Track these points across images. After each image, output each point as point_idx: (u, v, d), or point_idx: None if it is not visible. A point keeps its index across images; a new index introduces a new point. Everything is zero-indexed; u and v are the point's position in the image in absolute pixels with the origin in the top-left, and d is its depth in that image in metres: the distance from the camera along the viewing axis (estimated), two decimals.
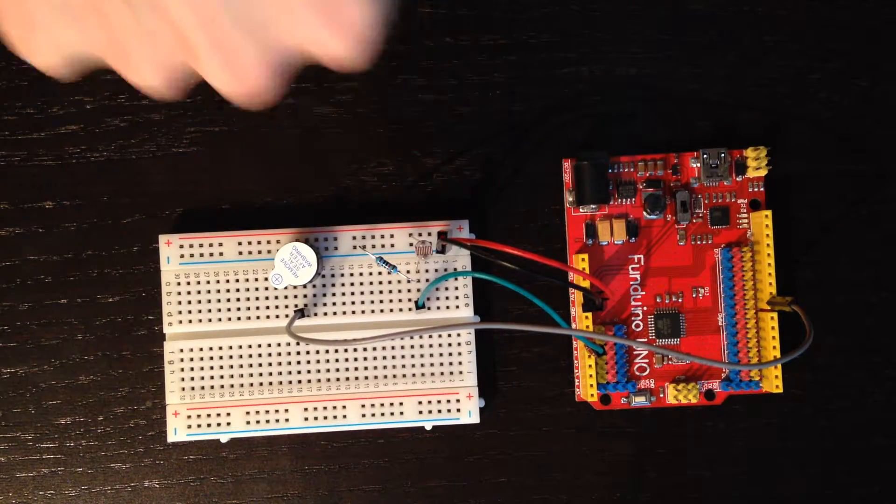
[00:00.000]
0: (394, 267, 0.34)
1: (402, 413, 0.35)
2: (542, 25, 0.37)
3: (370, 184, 0.36)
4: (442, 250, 0.35)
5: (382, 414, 0.35)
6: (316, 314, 0.35)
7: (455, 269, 0.35)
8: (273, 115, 0.36)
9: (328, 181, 0.36)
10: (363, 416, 0.35)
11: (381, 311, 0.35)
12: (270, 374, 0.35)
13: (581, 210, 0.36)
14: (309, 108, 0.36)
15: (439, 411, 0.35)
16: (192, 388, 0.35)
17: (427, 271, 0.35)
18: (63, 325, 0.36)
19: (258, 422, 0.35)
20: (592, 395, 0.35)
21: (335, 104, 0.36)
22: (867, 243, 0.37)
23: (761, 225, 0.35)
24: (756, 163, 0.35)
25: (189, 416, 0.35)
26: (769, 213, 0.35)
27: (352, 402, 0.35)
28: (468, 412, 0.35)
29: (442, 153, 0.37)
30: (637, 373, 0.36)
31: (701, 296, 0.36)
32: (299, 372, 0.35)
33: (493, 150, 0.37)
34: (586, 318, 0.34)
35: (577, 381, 0.36)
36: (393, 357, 0.35)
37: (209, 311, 0.35)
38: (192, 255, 0.35)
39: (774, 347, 0.34)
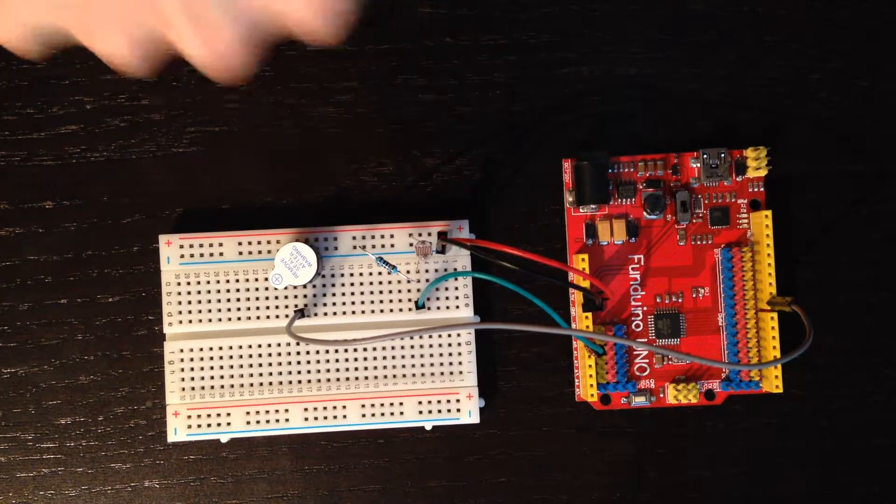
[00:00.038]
0: (394, 267, 0.34)
1: (402, 413, 0.35)
2: (542, 25, 0.37)
3: (370, 184, 0.36)
4: (442, 250, 0.35)
5: (382, 414, 0.35)
6: (316, 314, 0.35)
7: (455, 269, 0.35)
8: (273, 114, 0.36)
9: (328, 181, 0.36)
10: (363, 416, 0.35)
11: (381, 311, 0.35)
12: (270, 374, 0.35)
13: (581, 210, 0.36)
14: (309, 108, 0.36)
15: (439, 411, 0.35)
16: (193, 388, 0.35)
17: (427, 271, 0.35)
18: (63, 325, 0.36)
19: (258, 422, 0.35)
20: (592, 395, 0.35)
21: (335, 104, 0.36)
22: (867, 243, 0.37)
23: (761, 225, 0.35)
24: (756, 163, 0.35)
25: (189, 416, 0.35)
26: (769, 213, 0.35)
27: (352, 402, 0.35)
28: (468, 412, 0.35)
29: (442, 153, 0.37)
30: (637, 373, 0.36)
31: (701, 296, 0.36)
32: (299, 372, 0.35)
33: (493, 150, 0.37)
34: (586, 318, 0.34)
35: (577, 381, 0.36)
36: (393, 357, 0.35)
37: (209, 311, 0.35)
38: (192, 255, 0.35)
39: (774, 347, 0.34)
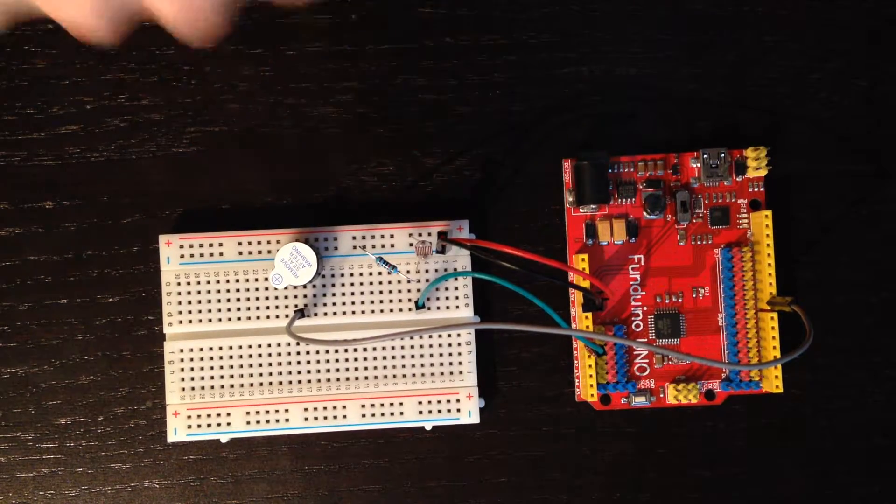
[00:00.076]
0: (394, 267, 0.34)
1: (402, 413, 0.35)
2: (542, 25, 0.37)
3: (370, 184, 0.36)
4: (442, 250, 0.35)
5: (382, 414, 0.35)
6: (316, 314, 0.35)
7: (455, 269, 0.35)
8: (273, 114, 0.36)
9: (328, 181, 0.36)
10: (363, 416, 0.35)
11: (381, 311, 0.35)
12: (270, 374, 0.35)
13: (581, 210, 0.36)
14: (309, 108, 0.36)
15: (439, 411, 0.35)
16: (192, 388, 0.35)
17: (427, 271, 0.35)
18: (63, 325, 0.36)
19: (258, 422, 0.35)
20: (592, 395, 0.35)
21: (335, 104, 0.36)
22: (867, 243, 0.37)
23: (761, 225, 0.35)
24: (756, 163, 0.35)
25: (189, 416, 0.35)
26: (769, 213, 0.35)
27: (352, 402, 0.35)
28: (468, 412, 0.35)
29: (442, 153, 0.37)
30: (637, 373, 0.36)
31: (701, 296, 0.36)
32: (299, 372, 0.35)
33: (493, 150, 0.37)
34: (586, 318, 0.34)
35: (577, 381, 0.36)
36: (393, 357, 0.35)
37: (209, 311, 0.35)
38: (192, 255, 0.35)
39: (774, 347, 0.34)
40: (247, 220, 0.36)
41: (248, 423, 0.35)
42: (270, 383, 0.35)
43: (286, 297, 0.35)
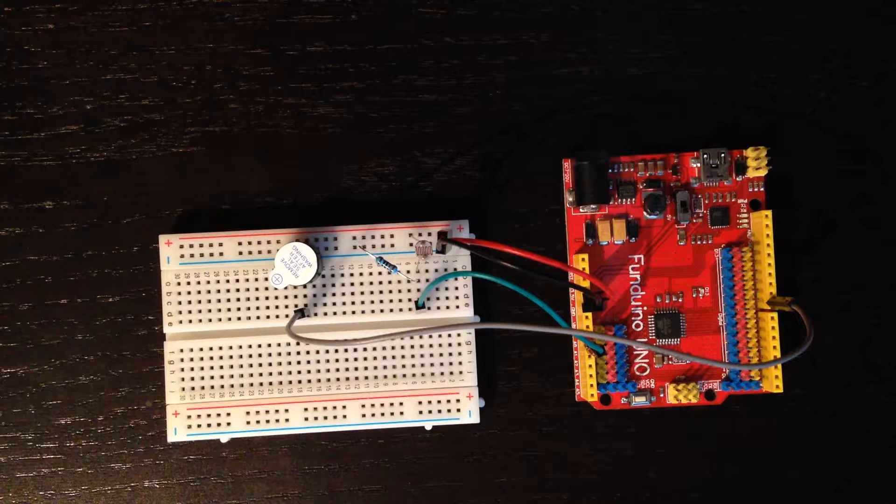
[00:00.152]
0: (394, 267, 0.34)
1: (402, 413, 0.35)
2: (542, 25, 0.37)
3: (370, 184, 0.36)
4: (442, 250, 0.35)
5: (382, 414, 0.35)
6: (316, 314, 0.35)
7: (455, 269, 0.35)
8: (273, 114, 0.36)
9: (328, 181, 0.36)
10: (363, 416, 0.35)
11: (381, 311, 0.35)
12: (270, 374, 0.35)
13: (581, 210, 0.36)
14: (309, 108, 0.36)
15: (439, 411, 0.35)
16: (192, 388, 0.35)
17: (427, 271, 0.35)
18: (63, 325, 0.36)
19: (258, 422, 0.35)
20: (592, 395, 0.35)
21: (335, 104, 0.36)
22: (867, 243, 0.37)
23: (761, 225, 0.35)
24: (756, 163, 0.35)
25: (189, 416, 0.35)
26: (769, 213, 0.35)
27: (352, 402, 0.35)
28: (468, 412, 0.35)
29: (442, 153, 0.37)
30: (637, 373, 0.36)
31: (701, 296, 0.36)
32: (299, 372, 0.35)
33: (493, 150, 0.37)
34: (586, 318, 0.34)
35: (577, 381, 0.36)
36: (393, 357, 0.35)
37: (209, 311, 0.35)
38: (192, 255, 0.35)
39: (774, 347, 0.34)
40: (247, 220, 0.36)
41: (248, 423, 0.35)
42: (270, 383, 0.35)
43: (286, 297, 0.35)
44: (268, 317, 0.35)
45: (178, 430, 0.35)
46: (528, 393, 0.36)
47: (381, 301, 0.35)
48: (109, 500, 0.36)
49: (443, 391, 0.35)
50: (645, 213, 0.36)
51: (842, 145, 0.37)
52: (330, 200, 0.36)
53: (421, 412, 0.35)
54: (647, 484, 0.36)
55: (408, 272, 0.35)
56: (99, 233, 0.36)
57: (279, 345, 0.35)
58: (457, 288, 0.35)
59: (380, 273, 0.35)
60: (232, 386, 0.35)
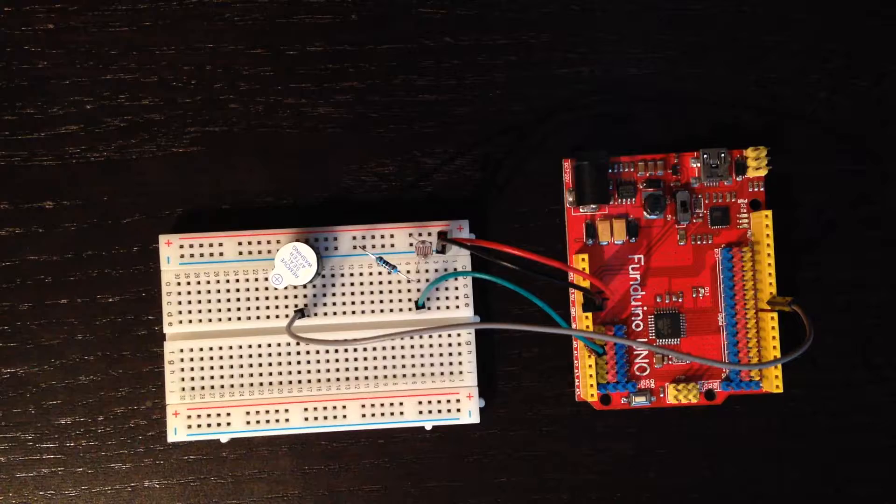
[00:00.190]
0: (394, 267, 0.34)
1: (402, 413, 0.35)
2: (542, 25, 0.37)
3: (370, 184, 0.36)
4: (442, 250, 0.35)
5: (382, 414, 0.35)
6: (316, 314, 0.35)
7: (455, 269, 0.35)
8: (273, 114, 0.36)
9: (328, 181, 0.36)
10: (363, 416, 0.35)
11: (381, 311, 0.35)
12: (270, 374, 0.35)
13: (581, 210, 0.36)
14: (309, 108, 0.36)
15: (439, 411, 0.35)
16: (192, 388, 0.35)
17: (427, 271, 0.35)
18: (63, 325, 0.36)
19: (258, 422, 0.35)
20: (592, 395, 0.35)
21: (335, 104, 0.36)
22: (867, 243, 0.37)
23: (761, 225, 0.35)
24: (756, 163, 0.35)
25: (189, 416, 0.35)
26: (769, 213, 0.35)
27: (352, 402, 0.35)
28: (468, 412, 0.35)
29: (442, 153, 0.37)
30: (637, 373, 0.36)
31: (701, 296, 0.36)
32: (299, 372, 0.35)
33: (493, 150, 0.37)
34: (586, 318, 0.34)
35: (577, 381, 0.36)
36: (393, 357, 0.35)
37: (209, 311, 0.35)
38: (192, 255, 0.35)
39: (774, 347, 0.34)
40: (247, 220, 0.36)
41: (248, 423, 0.35)
42: (270, 383, 0.35)
43: (286, 297, 0.35)
44: (268, 317, 0.35)
45: (178, 430, 0.35)
46: (528, 393, 0.36)
47: (381, 301, 0.35)
48: (109, 500, 0.36)
49: (443, 391, 0.35)
50: (645, 213, 0.36)
51: (842, 145, 0.37)
52: (330, 200, 0.36)
53: (421, 412, 0.35)
54: (647, 484, 0.36)
55: (408, 272, 0.35)
56: (99, 233, 0.36)
57: (279, 345, 0.35)
58: (457, 288, 0.35)
59: (380, 273, 0.35)
60: (232, 386, 0.35)
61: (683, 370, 0.36)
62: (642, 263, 0.36)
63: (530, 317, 0.36)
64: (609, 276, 0.36)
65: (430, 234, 0.35)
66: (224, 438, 0.35)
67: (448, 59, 0.37)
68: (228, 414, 0.35)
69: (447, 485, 0.36)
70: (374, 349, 0.35)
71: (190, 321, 0.35)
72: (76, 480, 0.36)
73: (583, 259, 0.35)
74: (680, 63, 0.37)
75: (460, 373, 0.35)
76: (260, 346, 0.35)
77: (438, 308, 0.35)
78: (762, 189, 0.36)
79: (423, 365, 0.35)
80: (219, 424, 0.35)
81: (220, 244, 0.35)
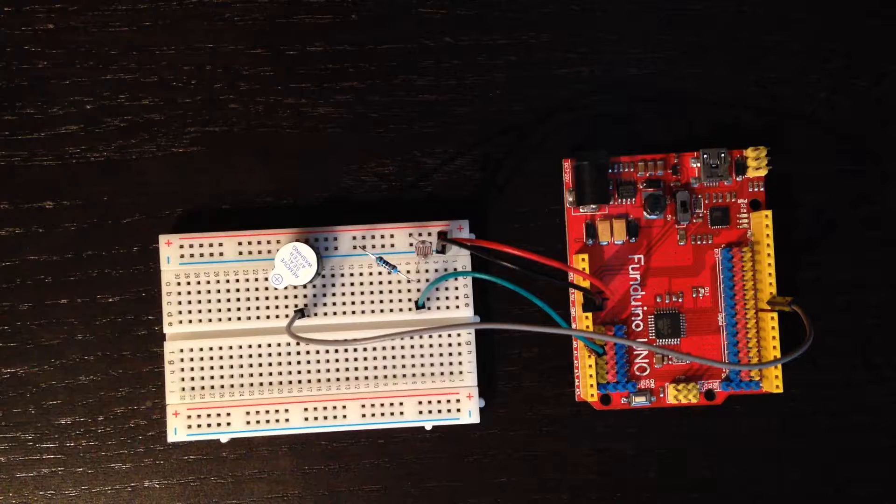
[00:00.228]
0: (394, 267, 0.34)
1: (402, 413, 0.35)
2: (542, 25, 0.37)
3: (370, 184, 0.36)
4: (442, 250, 0.35)
5: (382, 414, 0.35)
6: (316, 314, 0.35)
7: (455, 269, 0.35)
8: (273, 114, 0.36)
9: (328, 181, 0.36)
10: (363, 416, 0.35)
11: (381, 311, 0.35)
12: (270, 374, 0.35)
13: (581, 210, 0.36)
14: (309, 108, 0.36)
15: (439, 411, 0.35)
16: (192, 388, 0.35)
17: (427, 271, 0.35)
18: (63, 325, 0.36)
19: (258, 422, 0.35)
20: (592, 395, 0.35)
21: (335, 104, 0.36)
22: (867, 243, 0.37)
23: (761, 225, 0.35)
24: (756, 163, 0.35)
25: (189, 416, 0.35)
26: (769, 213, 0.35)
27: (352, 402, 0.35)
28: (468, 412, 0.35)
29: (442, 153, 0.37)
30: (637, 373, 0.36)
31: (701, 296, 0.36)
32: (299, 372, 0.35)
33: (493, 150, 0.37)
34: (586, 318, 0.34)
35: (577, 381, 0.36)
36: (393, 357, 0.35)
37: (209, 311, 0.35)
38: (192, 255, 0.35)
39: (774, 347, 0.34)
40: (247, 220, 0.36)
41: (248, 423, 0.35)
42: (270, 383, 0.35)
43: (286, 297, 0.35)
44: (268, 317, 0.35)
45: (178, 430, 0.35)
46: (528, 393, 0.36)
47: (381, 301, 0.35)
48: (109, 500, 0.36)
49: (443, 391, 0.35)
50: (645, 213, 0.36)
51: (842, 145, 0.37)
52: (330, 200, 0.36)
53: (421, 412, 0.35)
54: (647, 484, 0.36)
55: (408, 272, 0.35)
56: (99, 233, 0.36)
57: (279, 345, 0.35)
58: (457, 288, 0.35)
59: (380, 273, 0.35)
60: (232, 386, 0.35)
61: (683, 370, 0.36)
62: (642, 263, 0.36)
63: (530, 317, 0.36)
64: (609, 276, 0.36)
65: (430, 234, 0.35)
66: (224, 438, 0.35)
67: (448, 59, 0.37)
68: (228, 414, 0.35)
69: (447, 485, 0.36)
70: (374, 349, 0.35)
71: (190, 321, 0.35)
72: (76, 480, 0.36)
73: (583, 259, 0.35)
74: (680, 63, 0.37)
75: (460, 373, 0.35)
76: (260, 346, 0.35)
77: (438, 308, 0.35)
78: (762, 189, 0.36)
79: (423, 365, 0.35)
80: (219, 424, 0.35)
81: (220, 244, 0.35)
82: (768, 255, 0.35)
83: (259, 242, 0.35)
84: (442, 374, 0.35)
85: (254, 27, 0.36)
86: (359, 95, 0.36)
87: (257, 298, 0.35)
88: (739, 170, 0.36)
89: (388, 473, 0.36)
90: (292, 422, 0.35)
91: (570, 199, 0.36)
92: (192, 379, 0.35)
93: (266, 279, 0.35)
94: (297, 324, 0.35)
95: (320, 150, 0.36)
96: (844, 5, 0.37)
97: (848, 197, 0.37)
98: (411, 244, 0.35)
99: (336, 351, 0.35)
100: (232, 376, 0.35)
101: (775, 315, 0.34)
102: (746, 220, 0.36)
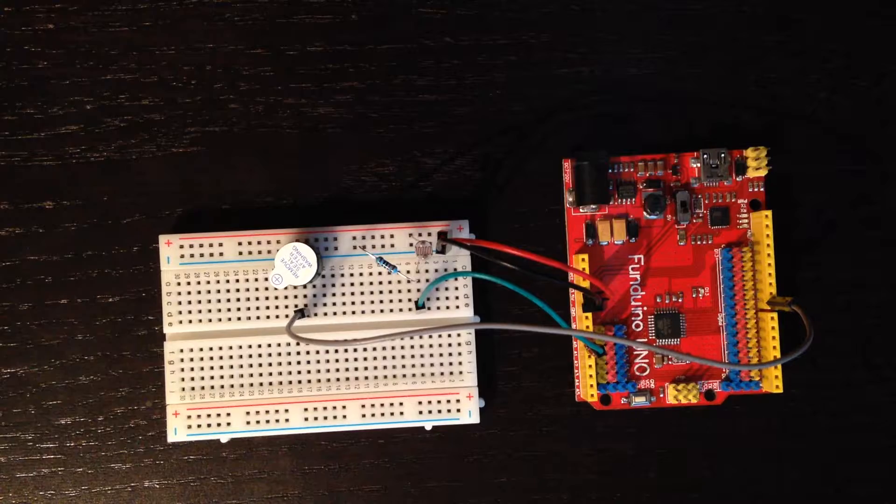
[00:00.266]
0: (394, 267, 0.34)
1: (402, 413, 0.35)
2: (542, 25, 0.37)
3: (370, 184, 0.36)
4: (442, 250, 0.35)
5: (382, 414, 0.35)
6: (316, 314, 0.35)
7: (455, 269, 0.35)
8: (273, 114, 0.36)
9: (328, 181, 0.36)
10: (363, 416, 0.35)
11: (381, 311, 0.35)
12: (270, 374, 0.35)
13: (581, 210, 0.36)
14: (309, 108, 0.36)
15: (439, 411, 0.35)
16: (192, 388, 0.35)
17: (427, 271, 0.35)
18: (63, 325, 0.36)
19: (258, 422, 0.35)
20: (592, 395, 0.35)
21: (335, 104, 0.36)
22: (867, 243, 0.37)
23: (761, 225, 0.35)
24: (756, 163, 0.35)
25: (189, 417, 0.35)
26: (769, 213, 0.35)
27: (352, 402, 0.35)
28: (468, 412, 0.35)
29: (442, 153, 0.37)
30: (637, 373, 0.36)
31: (701, 296, 0.36)
32: (299, 372, 0.35)
33: (493, 150, 0.37)
34: (586, 318, 0.34)
35: (577, 381, 0.36)
36: (393, 357, 0.35)
37: (209, 311, 0.35)
38: (192, 255, 0.35)
39: (774, 347, 0.34)
40: (247, 220, 0.36)
41: (248, 423, 0.35)
42: (270, 383, 0.35)
43: (286, 297, 0.35)
44: (268, 317, 0.35)
45: (178, 431, 0.35)
46: (528, 393, 0.36)
47: (381, 301, 0.35)
48: (109, 500, 0.36)
49: (443, 391, 0.35)
50: (645, 213, 0.36)
51: (842, 145, 0.37)
52: (330, 200, 0.36)
53: (421, 412, 0.35)
54: (647, 484, 0.36)
55: (408, 272, 0.35)
56: (99, 233, 0.36)
57: (279, 345, 0.35)
58: (457, 288, 0.35)
59: (380, 273, 0.35)
60: (232, 386, 0.35)
61: (683, 370, 0.36)
62: (642, 263, 0.36)
63: (530, 317, 0.36)
64: (609, 276, 0.36)
65: (430, 234, 0.35)
66: (224, 438, 0.35)
67: (448, 59, 0.37)
68: (228, 414, 0.35)
69: (447, 485, 0.36)
70: (374, 349, 0.35)
71: (190, 321, 0.35)
72: (76, 480, 0.36)
73: (583, 259, 0.35)
74: (680, 63, 0.37)
75: (460, 373, 0.35)
76: (260, 346, 0.35)
77: (438, 308, 0.35)
78: (762, 189, 0.36)
79: (423, 365, 0.35)
80: (219, 424, 0.35)
81: (220, 244, 0.35)
82: (768, 255, 0.35)
83: (259, 242, 0.35)
84: (442, 374, 0.35)
85: (254, 27, 0.36)
86: (359, 95, 0.36)
87: (257, 298, 0.35)
88: (739, 170, 0.36)
89: (388, 473, 0.36)
90: (292, 422, 0.35)
91: (570, 199, 0.36)
92: (192, 379, 0.35)
93: (266, 279, 0.35)
94: (297, 324, 0.35)
95: (320, 150, 0.36)
96: (844, 5, 0.37)
97: (848, 197, 0.37)
98: (411, 244, 0.35)
99: (336, 351, 0.35)
100: (232, 376, 0.35)
101: (775, 315, 0.34)
102: (746, 221, 0.36)
